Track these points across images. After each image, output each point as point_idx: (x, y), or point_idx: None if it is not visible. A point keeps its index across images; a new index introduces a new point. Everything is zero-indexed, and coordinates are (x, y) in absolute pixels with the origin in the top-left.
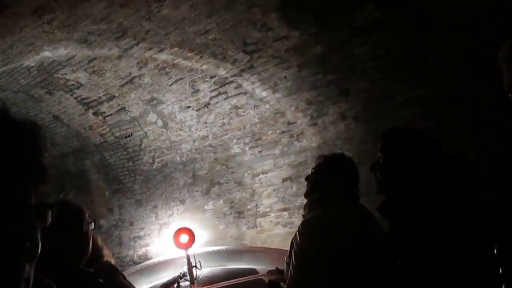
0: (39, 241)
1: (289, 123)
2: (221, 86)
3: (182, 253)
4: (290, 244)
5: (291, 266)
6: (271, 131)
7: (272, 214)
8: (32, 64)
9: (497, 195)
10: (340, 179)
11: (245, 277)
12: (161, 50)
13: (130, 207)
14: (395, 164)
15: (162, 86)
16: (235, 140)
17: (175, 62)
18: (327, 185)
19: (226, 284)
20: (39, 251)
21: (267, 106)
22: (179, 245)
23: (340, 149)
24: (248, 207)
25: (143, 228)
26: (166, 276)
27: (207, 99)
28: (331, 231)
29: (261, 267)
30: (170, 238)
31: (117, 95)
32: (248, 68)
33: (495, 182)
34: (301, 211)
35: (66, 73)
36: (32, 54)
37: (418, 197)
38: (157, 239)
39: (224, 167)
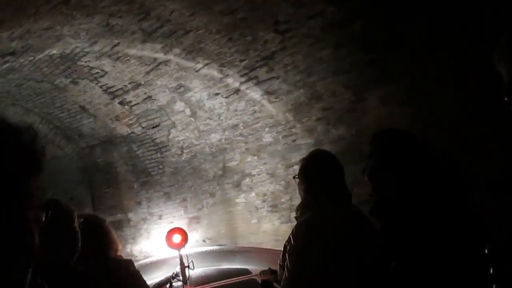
0: (36, 244)
1: (325, 109)
2: (251, 71)
3: (175, 253)
4: (283, 247)
5: (285, 268)
6: (306, 118)
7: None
8: (54, 51)
9: (492, 194)
10: (325, 176)
11: (238, 277)
12: (186, 33)
13: (158, 200)
14: (383, 168)
15: (189, 72)
16: (267, 129)
17: (201, 45)
18: (315, 186)
19: (219, 284)
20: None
21: (301, 91)
22: (171, 245)
23: None
24: (282, 200)
25: (172, 222)
26: (159, 276)
27: (236, 84)
28: (324, 232)
29: (254, 267)
30: (200, 233)
31: (142, 83)
32: (280, 50)
33: (492, 182)
34: None
35: (89, 61)
36: (53, 41)
37: (409, 198)
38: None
39: (255, 157)
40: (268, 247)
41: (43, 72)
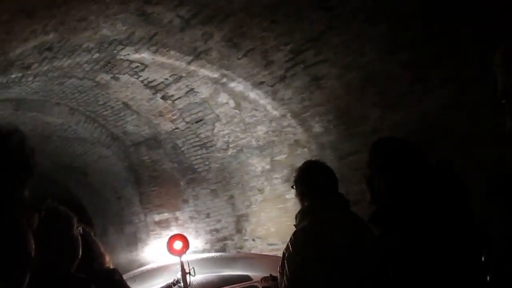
0: (32, 249)
1: (381, 93)
2: (297, 55)
3: (176, 259)
4: (282, 254)
5: (285, 276)
6: (360, 104)
7: (364, 203)
8: (92, 45)
9: (491, 201)
10: (321, 184)
11: (239, 284)
12: (226, 17)
13: (205, 197)
14: (380, 175)
15: (232, 60)
16: (317, 118)
17: (243, 30)
18: (312, 194)
19: None
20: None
21: (354, 73)
22: (172, 251)
23: (448, 121)
24: None
25: (220, 221)
26: (160, 282)
27: (282, 71)
28: (321, 239)
29: (255, 273)
30: (249, 232)
31: (184, 75)
32: (328, 29)
33: (489, 188)
34: None
35: (128, 54)
36: (90, 33)
37: (408, 200)
38: (234, 233)
39: (305, 149)
40: None
41: (84, 69)
